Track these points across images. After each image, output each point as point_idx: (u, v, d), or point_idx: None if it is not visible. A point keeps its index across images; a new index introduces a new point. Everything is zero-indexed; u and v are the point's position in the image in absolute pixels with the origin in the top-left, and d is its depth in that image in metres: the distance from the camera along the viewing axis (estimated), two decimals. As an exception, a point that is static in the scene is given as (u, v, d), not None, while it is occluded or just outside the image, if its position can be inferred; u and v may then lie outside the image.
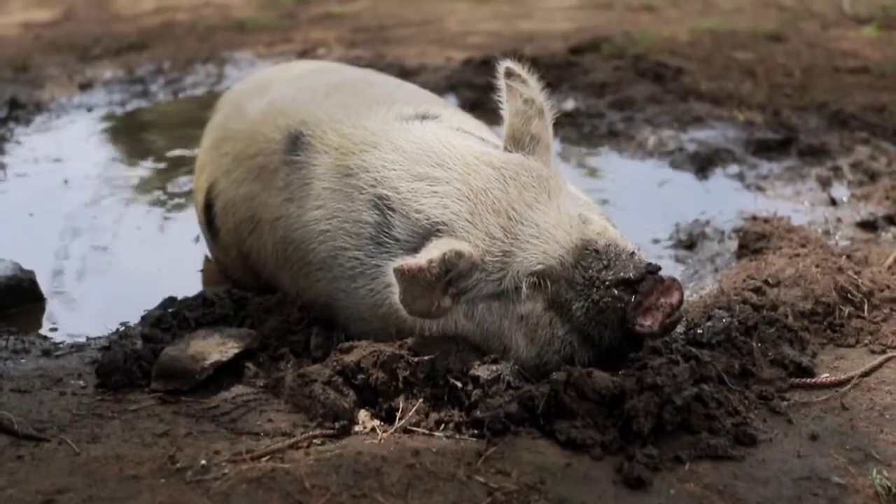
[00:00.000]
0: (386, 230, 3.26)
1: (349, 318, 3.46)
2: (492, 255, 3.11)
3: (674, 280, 3.09)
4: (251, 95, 4.17)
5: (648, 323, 3.05)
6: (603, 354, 3.15)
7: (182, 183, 5.59)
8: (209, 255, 4.48)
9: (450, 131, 3.50)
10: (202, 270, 4.55)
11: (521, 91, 3.37)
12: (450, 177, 3.22)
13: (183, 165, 5.85)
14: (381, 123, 3.54)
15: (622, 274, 3.07)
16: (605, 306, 3.08)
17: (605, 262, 3.10)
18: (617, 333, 3.10)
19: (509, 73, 3.39)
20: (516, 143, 3.33)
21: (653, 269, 3.08)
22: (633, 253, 3.15)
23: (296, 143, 3.61)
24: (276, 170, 3.65)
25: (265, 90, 4.15)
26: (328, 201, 3.44)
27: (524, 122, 3.34)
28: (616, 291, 3.06)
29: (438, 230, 3.15)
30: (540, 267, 3.11)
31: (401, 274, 2.99)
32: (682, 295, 3.09)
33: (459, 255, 3.04)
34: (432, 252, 3.02)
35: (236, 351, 3.36)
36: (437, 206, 3.19)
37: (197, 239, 4.70)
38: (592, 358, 3.15)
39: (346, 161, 3.45)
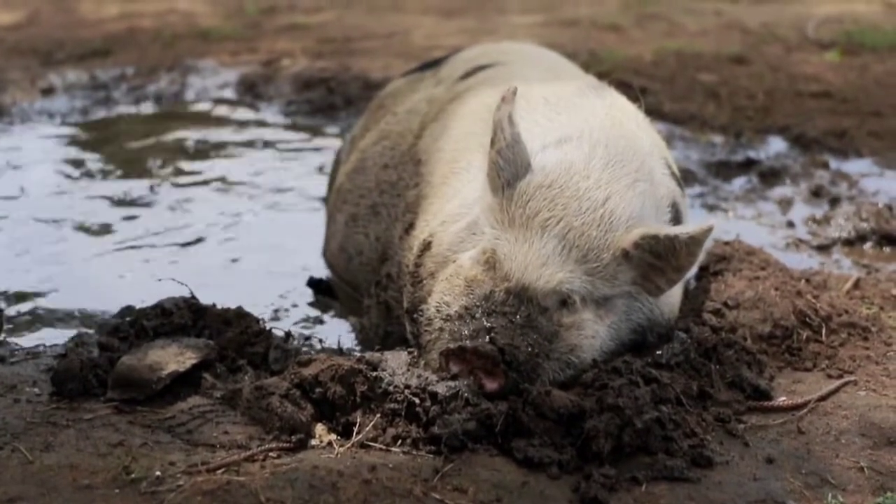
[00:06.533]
0: None
1: None
2: None
3: (503, 382, 3.03)
4: None
5: (455, 369, 3.05)
6: None
7: (140, 191, 5.57)
8: None
9: None
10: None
11: None
12: None
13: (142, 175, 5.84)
14: None
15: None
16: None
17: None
18: None
19: None
20: None
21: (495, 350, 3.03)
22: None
23: None
24: None
25: None
26: None
27: None
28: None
29: None
30: None
31: None
32: (497, 388, 3.02)
33: None
34: None
35: (194, 361, 3.34)
36: None
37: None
38: None
39: None
